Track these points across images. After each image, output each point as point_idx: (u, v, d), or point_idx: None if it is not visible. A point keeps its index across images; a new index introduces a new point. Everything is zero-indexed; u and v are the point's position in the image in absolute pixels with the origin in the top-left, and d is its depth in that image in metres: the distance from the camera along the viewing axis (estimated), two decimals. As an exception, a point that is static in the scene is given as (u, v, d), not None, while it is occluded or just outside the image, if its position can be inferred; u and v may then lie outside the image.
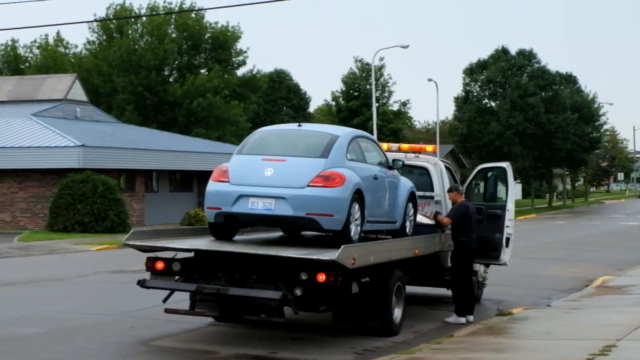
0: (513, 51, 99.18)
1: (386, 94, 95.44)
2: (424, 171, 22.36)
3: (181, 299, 17.36)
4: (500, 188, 22.86)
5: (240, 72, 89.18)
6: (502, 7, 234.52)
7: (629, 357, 15.12)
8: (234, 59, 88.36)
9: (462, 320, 19.46)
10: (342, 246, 15.73)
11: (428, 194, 21.95)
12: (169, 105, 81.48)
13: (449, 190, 21.00)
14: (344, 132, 18.52)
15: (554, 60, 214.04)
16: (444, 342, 16.84)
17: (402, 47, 78.91)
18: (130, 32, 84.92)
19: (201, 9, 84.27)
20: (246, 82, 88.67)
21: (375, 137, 27.58)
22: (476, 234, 20.20)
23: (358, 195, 16.95)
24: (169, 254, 17.54)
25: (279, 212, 16.67)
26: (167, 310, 17.37)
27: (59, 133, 55.28)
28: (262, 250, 16.76)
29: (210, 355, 16.07)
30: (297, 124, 19.53)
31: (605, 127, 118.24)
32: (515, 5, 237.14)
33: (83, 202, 50.39)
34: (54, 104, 63.48)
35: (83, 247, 41.30)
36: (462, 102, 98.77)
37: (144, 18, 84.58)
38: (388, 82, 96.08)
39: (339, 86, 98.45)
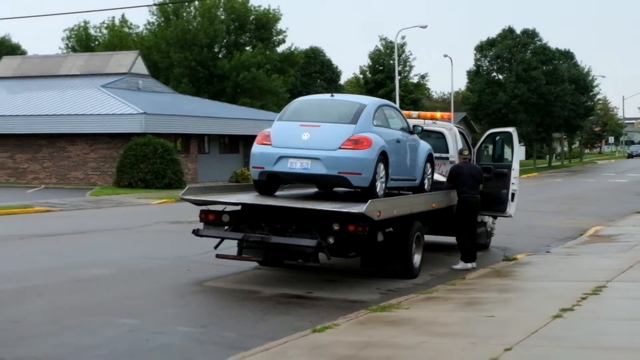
0: (518, 30, 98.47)
1: (407, 68, 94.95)
2: (440, 135, 22.32)
3: (230, 246, 17.40)
4: (507, 150, 22.79)
5: (280, 49, 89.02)
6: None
7: (618, 296, 15.07)
8: (274, 38, 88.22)
9: (469, 266, 19.42)
10: (369, 201, 15.73)
11: (444, 155, 21.94)
12: (219, 78, 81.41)
13: (461, 153, 20.98)
14: (370, 101, 18.45)
15: (554, 38, 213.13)
16: (457, 283, 16.85)
17: (421, 27, 78.72)
18: (184, 14, 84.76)
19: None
20: (285, 57, 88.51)
21: (397, 105, 27.50)
22: (478, 189, 20.14)
23: (383, 157, 16.94)
24: (219, 207, 17.66)
25: (314, 171, 16.69)
26: (217, 256, 17.47)
27: (124, 102, 55.38)
28: (300, 204, 16.78)
29: (255, 295, 16.10)
30: (330, 94, 19.50)
31: (598, 97, 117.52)
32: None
33: (145, 162, 50.50)
34: (120, 77, 63.54)
35: (145, 201, 41.45)
36: (474, 76, 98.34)
37: (197, 2, 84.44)
38: (409, 58, 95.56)
39: (366, 61, 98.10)
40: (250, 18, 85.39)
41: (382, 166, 16.95)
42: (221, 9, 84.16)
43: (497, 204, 22.06)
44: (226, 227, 17.25)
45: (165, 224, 29.02)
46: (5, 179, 56.35)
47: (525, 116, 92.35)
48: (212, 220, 17.46)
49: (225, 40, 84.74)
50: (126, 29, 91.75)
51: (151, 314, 14.07)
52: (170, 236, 25.16)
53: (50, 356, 11.05)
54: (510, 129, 23.18)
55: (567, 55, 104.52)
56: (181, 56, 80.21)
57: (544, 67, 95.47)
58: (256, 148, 17.37)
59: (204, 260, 18.65)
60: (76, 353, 11.20)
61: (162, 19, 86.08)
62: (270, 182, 17.43)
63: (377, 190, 16.75)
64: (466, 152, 20.78)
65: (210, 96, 77.31)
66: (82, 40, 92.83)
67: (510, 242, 24.00)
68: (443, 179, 20.81)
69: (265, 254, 17.16)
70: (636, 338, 11.13)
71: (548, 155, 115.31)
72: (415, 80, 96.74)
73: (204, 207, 17.79)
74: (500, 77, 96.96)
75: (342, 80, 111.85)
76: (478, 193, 20.09)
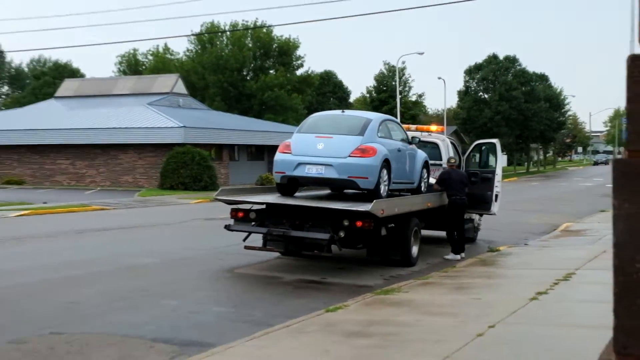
0: (501, 56, 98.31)
1: (407, 89, 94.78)
2: (435, 145, 22.37)
3: (256, 239, 17.46)
4: (491, 158, 22.82)
5: (298, 72, 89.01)
6: (493, 23, 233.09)
7: (585, 281, 15.07)
8: (294, 63, 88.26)
9: (458, 257, 19.43)
10: (374, 201, 15.82)
11: (438, 162, 21.98)
12: (247, 97, 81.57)
13: (449, 160, 21.03)
14: (375, 116, 18.54)
15: (531, 63, 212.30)
16: (449, 271, 16.86)
17: (419, 53, 78.81)
18: (218, 42, 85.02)
19: (270, 26, 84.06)
20: (303, 79, 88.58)
21: (398, 120, 27.47)
22: (464, 192, 20.16)
23: (386, 163, 17.02)
24: (247, 206, 17.74)
25: (327, 175, 16.76)
26: (246, 247, 17.54)
27: (167, 117, 55.52)
28: (315, 203, 16.85)
29: (277, 280, 16.13)
30: (341, 110, 19.66)
31: (568, 113, 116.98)
32: (503, 21, 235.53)
33: (184, 168, 50.62)
34: (163, 96, 63.72)
35: (184, 200, 41.52)
36: (463, 95, 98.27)
37: (228, 33, 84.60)
38: (408, 80, 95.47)
39: (372, 82, 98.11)
40: (274, 46, 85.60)
41: (385, 171, 17.02)
42: (249, 39, 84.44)
43: (483, 203, 22.11)
44: (253, 223, 17.33)
45: (200, 220, 29.08)
46: (67, 182, 56.62)
47: (506, 129, 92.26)
48: (241, 217, 17.54)
49: (252, 65, 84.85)
50: (168, 55, 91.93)
51: (190, 296, 14.14)
52: (205, 230, 25.21)
53: (105, 332, 11.10)
54: (494, 140, 23.24)
55: (543, 78, 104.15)
56: (215, 78, 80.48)
57: (523, 88, 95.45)
58: (278, 156, 17.47)
59: (234, 251, 18.69)
60: (128, 329, 11.26)
61: (199, 47, 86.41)
62: (290, 184, 17.53)
63: (381, 191, 16.82)
64: (453, 160, 20.84)
65: (240, 112, 77.41)
66: (131, 65, 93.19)
67: (494, 236, 23.98)
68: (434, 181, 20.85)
69: (286, 245, 17.30)
70: (600, 317, 11.11)
71: (526, 163, 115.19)
72: (413, 98, 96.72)
73: (234, 206, 17.90)
74: (486, 96, 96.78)
75: (352, 98, 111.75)
76: (465, 195, 20.12)
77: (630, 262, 1.39)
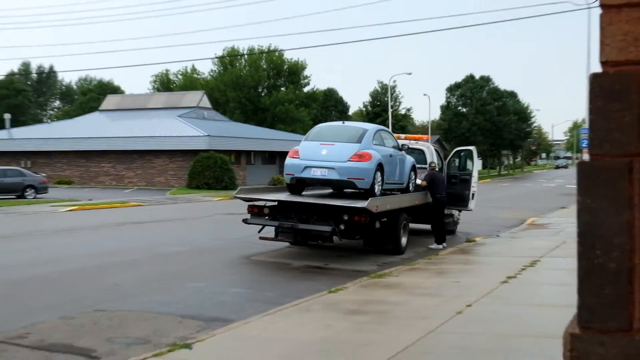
0: (477, 76, 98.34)
1: (397, 103, 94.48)
2: (421, 152, 22.32)
3: (269, 231, 17.45)
4: (469, 162, 22.77)
5: (305, 89, 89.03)
6: (470, 48, 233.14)
7: (548, 267, 15.06)
8: (302, 81, 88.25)
9: (440, 246, 19.39)
10: (370, 198, 15.85)
11: (424, 166, 21.93)
12: (261, 110, 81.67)
13: (430, 165, 21.02)
14: (370, 127, 18.53)
15: (503, 82, 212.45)
16: (433, 258, 16.83)
17: (407, 74, 78.74)
18: (237, 64, 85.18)
19: (281, 50, 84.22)
20: (309, 96, 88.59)
21: (390, 130, 27.48)
22: (445, 191, 20.18)
23: (380, 167, 16.99)
24: (261, 203, 17.74)
25: (330, 177, 16.75)
26: (260, 238, 17.53)
27: (194, 127, 55.61)
28: (319, 200, 16.87)
29: (287, 265, 16.13)
30: (342, 121, 19.59)
31: (534, 124, 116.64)
32: (479, 46, 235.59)
33: (208, 170, 50.68)
34: (191, 110, 63.78)
35: (208, 198, 41.57)
36: (445, 109, 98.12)
37: (246, 56, 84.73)
38: (398, 96, 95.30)
39: (367, 98, 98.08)
40: (285, 67, 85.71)
41: (379, 173, 16.99)
42: (263, 61, 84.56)
43: (462, 201, 22.12)
44: (266, 217, 17.33)
45: (222, 215, 29.08)
46: (109, 182, 56.68)
47: (482, 138, 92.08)
48: (256, 212, 17.54)
49: (266, 83, 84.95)
50: (195, 75, 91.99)
51: (213, 279, 14.14)
52: (226, 223, 25.20)
53: (141, 309, 11.10)
54: (471, 147, 23.22)
55: (512, 95, 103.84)
56: (234, 94, 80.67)
57: (496, 103, 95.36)
58: (288, 160, 17.47)
59: (251, 241, 18.68)
60: (161, 306, 11.27)
61: (221, 68, 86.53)
62: (298, 185, 17.50)
63: (375, 191, 16.79)
64: (433, 164, 20.86)
65: (255, 123, 77.42)
66: (164, 83, 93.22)
67: (471, 228, 23.94)
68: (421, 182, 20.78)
69: (295, 236, 17.28)
70: (562, 298, 11.11)
71: (498, 167, 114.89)
72: (403, 112, 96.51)
73: (250, 203, 17.90)
74: (464, 110, 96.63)
75: (351, 112, 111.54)
76: (445, 193, 20.17)
77: (592, 250, 1.39)
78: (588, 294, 1.37)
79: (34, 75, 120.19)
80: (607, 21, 1.45)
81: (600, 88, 1.43)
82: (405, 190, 19.47)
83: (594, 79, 1.44)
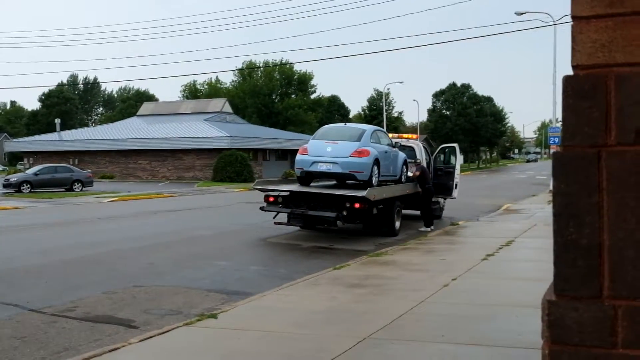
0: (459, 84, 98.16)
1: (390, 108, 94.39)
2: (412, 149, 22.24)
3: (282, 217, 17.45)
4: (452, 157, 22.73)
5: (312, 96, 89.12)
6: (453, 59, 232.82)
7: (522, 246, 15.03)
8: (309, 89, 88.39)
9: (429, 229, 19.35)
10: (368, 189, 15.86)
11: (413, 160, 21.89)
12: (275, 114, 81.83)
13: (416, 161, 21.03)
14: (368, 127, 18.53)
15: (481, 88, 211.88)
16: (422, 239, 16.81)
17: (399, 82, 79.23)
18: (254, 75, 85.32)
19: (292, 63, 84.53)
20: (316, 102, 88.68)
21: (385, 130, 27.41)
22: (431, 182, 20.19)
23: (376, 161, 16.98)
24: (275, 193, 17.73)
25: (334, 170, 16.76)
26: (275, 223, 17.53)
27: (218, 129, 55.66)
28: (325, 190, 16.84)
29: (298, 246, 16.13)
30: (344, 123, 19.68)
31: (508, 125, 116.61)
32: (461, 57, 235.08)
33: (230, 166, 50.77)
34: (215, 114, 63.78)
35: (230, 189, 41.60)
36: (431, 112, 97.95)
37: (262, 68, 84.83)
38: (391, 101, 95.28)
39: (365, 103, 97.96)
40: (295, 77, 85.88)
41: (376, 167, 16.98)
42: (277, 72, 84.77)
43: (446, 190, 22.09)
44: (280, 205, 17.32)
45: (242, 204, 29.10)
46: (145, 177, 56.77)
47: (463, 137, 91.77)
48: (271, 201, 17.52)
49: (279, 91, 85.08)
50: (219, 85, 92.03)
51: (235, 258, 14.15)
52: (245, 211, 25.21)
53: (173, 285, 11.13)
54: (454, 144, 23.25)
55: (489, 99, 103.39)
56: (252, 101, 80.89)
57: (475, 107, 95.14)
58: (298, 156, 17.47)
59: (267, 226, 18.70)
60: (191, 282, 11.29)
61: (241, 78, 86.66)
62: (307, 177, 17.47)
63: (373, 182, 16.78)
64: (418, 160, 20.91)
65: (270, 125, 77.43)
66: (192, 92, 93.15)
67: (454, 214, 23.90)
68: (412, 174, 20.68)
69: (304, 221, 17.35)
70: (533, 272, 11.10)
71: (477, 161, 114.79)
72: (395, 115, 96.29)
73: (266, 193, 17.87)
74: (448, 113, 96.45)
75: (351, 115, 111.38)
76: (432, 184, 20.20)
77: (566, 228, 1.38)
78: (563, 266, 1.36)
79: (81, 86, 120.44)
80: (577, 30, 1.43)
81: (572, 88, 1.42)
82: (398, 182, 19.44)
83: (567, 80, 1.43)
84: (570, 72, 1.44)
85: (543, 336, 1.37)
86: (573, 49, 1.43)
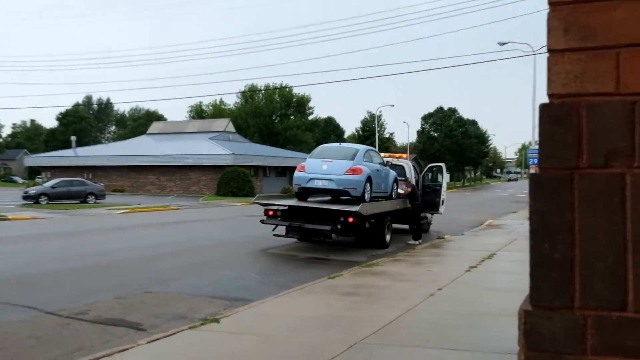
0: (445, 107, 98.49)
1: (382, 129, 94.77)
2: (402, 167, 22.26)
3: (280, 229, 17.41)
4: (439, 176, 22.73)
5: (310, 117, 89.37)
6: (441, 85, 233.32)
7: (503, 259, 14.99)
8: (307, 111, 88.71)
9: (417, 242, 19.33)
10: (361, 204, 15.82)
11: (404, 178, 21.88)
12: (275, 134, 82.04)
13: (406, 179, 21.06)
14: (362, 147, 18.49)
15: (466, 112, 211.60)
16: (411, 251, 16.79)
17: (390, 105, 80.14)
18: (256, 98, 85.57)
19: (290, 86, 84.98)
20: (313, 123, 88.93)
21: (377, 149, 27.48)
22: (420, 198, 20.19)
23: (369, 179, 16.93)
24: (275, 207, 17.68)
25: (329, 186, 16.73)
26: (274, 235, 17.49)
27: (222, 147, 55.74)
28: (321, 205, 16.76)
29: (295, 257, 16.08)
30: (339, 143, 19.67)
31: (491, 146, 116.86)
32: (447, 83, 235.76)
33: (233, 181, 50.78)
34: (219, 133, 63.89)
35: (232, 203, 41.55)
36: (420, 133, 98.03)
37: (263, 91, 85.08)
38: (383, 123, 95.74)
39: (359, 125, 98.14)
40: (293, 100, 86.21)
41: (368, 184, 16.94)
42: (277, 95, 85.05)
43: (434, 206, 22.06)
44: (279, 218, 17.25)
45: (243, 217, 29.05)
46: (153, 191, 56.69)
47: (449, 157, 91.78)
48: (271, 215, 17.45)
49: (279, 113, 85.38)
50: (223, 106, 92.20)
51: (236, 267, 14.11)
52: (246, 223, 25.17)
53: (179, 291, 11.09)
54: (441, 164, 23.24)
55: (473, 122, 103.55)
56: (254, 121, 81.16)
57: (460, 129, 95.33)
58: (296, 173, 17.42)
59: (266, 237, 18.66)
60: (195, 289, 11.25)
61: (243, 100, 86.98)
62: (304, 193, 17.42)
63: (365, 198, 16.73)
64: (410, 180, 20.87)
65: (270, 144, 77.55)
66: (198, 112, 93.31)
67: (441, 228, 23.89)
68: (403, 192, 20.68)
69: (301, 234, 17.23)
70: (513, 284, 11.08)
71: (462, 179, 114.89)
72: (387, 135, 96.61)
73: (266, 207, 17.79)
74: (435, 134, 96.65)
75: (346, 135, 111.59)
76: (421, 200, 20.21)
77: (541, 243, 1.39)
78: (538, 279, 1.37)
79: (95, 106, 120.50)
80: (553, 62, 1.46)
81: (548, 115, 1.44)
82: (389, 198, 19.42)
83: (543, 107, 1.45)
84: (546, 100, 1.46)
85: (519, 343, 1.38)
86: (549, 79, 1.45)
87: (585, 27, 1.40)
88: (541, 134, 1.42)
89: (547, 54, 1.48)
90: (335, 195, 17.72)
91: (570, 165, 1.39)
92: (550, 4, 1.43)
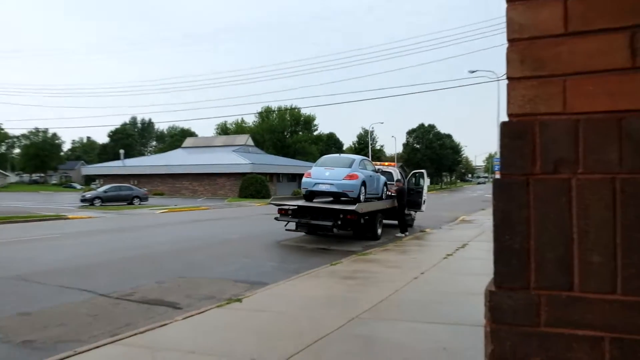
0: (426, 124, 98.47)
1: (374, 142, 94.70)
2: (390, 173, 22.26)
3: (291, 225, 17.40)
4: (421, 180, 22.68)
5: (315, 133, 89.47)
6: (423, 104, 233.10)
7: (474, 248, 14.93)
8: (312, 128, 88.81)
9: (403, 235, 19.27)
10: (357, 204, 15.80)
11: (392, 182, 21.84)
12: (286, 147, 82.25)
13: (396, 181, 20.96)
14: (357, 157, 18.47)
15: (443, 127, 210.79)
16: (398, 242, 16.73)
17: (380, 123, 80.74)
18: (270, 117, 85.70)
19: (299, 108, 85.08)
20: (317, 137, 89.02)
21: (370, 159, 27.47)
22: (406, 199, 20.12)
23: (363, 183, 16.95)
24: (287, 207, 17.67)
25: (331, 190, 16.75)
26: (286, 229, 17.52)
27: (243, 158, 55.85)
28: (325, 205, 16.76)
29: (303, 248, 16.04)
30: (339, 154, 19.65)
31: (463, 155, 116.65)
32: (428, 102, 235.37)
33: (252, 185, 50.77)
34: (241, 147, 64.08)
35: (252, 204, 41.52)
36: (406, 146, 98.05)
37: (276, 111, 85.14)
38: (375, 137, 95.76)
39: (355, 139, 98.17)
40: (301, 119, 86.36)
41: (363, 187, 16.95)
42: (288, 115, 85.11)
43: (417, 205, 21.95)
44: (290, 216, 17.26)
45: (260, 215, 29.04)
46: (187, 194, 56.71)
47: (429, 165, 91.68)
48: (283, 213, 17.46)
49: (289, 129, 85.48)
50: (243, 124, 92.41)
51: (256, 256, 14.10)
52: (263, 220, 25.17)
53: (209, 277, 11.08)
54: (423, 170, 23.18)
55: (449, 136, 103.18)
56: (269, 137, 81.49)
57: (438, 142, 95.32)
58: (304, 179, 17.43)
59: (280, 232, 18.66)
60: (222, 275, 11.24)
61: (260, 119, 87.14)
62: (311, 195, 17.45)
63: (361, 199, 16.74)
64: (400, 182, 20.82)
65: (282, 155, 77.63)
66: (223, 129, 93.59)
67: (423, 223, 23.83)
68: (391, 193, 20.62)
69: (308, 229, 17.23)
70: (482, 269, 11.05)
71: (440, 183, 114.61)
72: (378, 147, 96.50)
73: (280, 207, 17.82)
74: (418, 146, 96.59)
75: (345, 147, 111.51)
76: (406, 200, 20.13)
77: (503, 235, 1.40)
78: (500, 265, 1.38)
79: (139, 125, 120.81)
80: (511, 87, 1.47)
81: (508, 131, 1.45)
82: (380, 198, 19.41)
83: (504, 125, 1.46)
84: (506, 118, 1.47)
85: (486, 317, 1.39)
86: (508, 101, 1.46)
87: (537, 59, 1.41)
88: (502, 146, 1.43)
89: (507, 81, 1.49)
90: (336, 196, 17.73)
91: (526, 172, 1.39)
92: (509, 40, 1.44)
